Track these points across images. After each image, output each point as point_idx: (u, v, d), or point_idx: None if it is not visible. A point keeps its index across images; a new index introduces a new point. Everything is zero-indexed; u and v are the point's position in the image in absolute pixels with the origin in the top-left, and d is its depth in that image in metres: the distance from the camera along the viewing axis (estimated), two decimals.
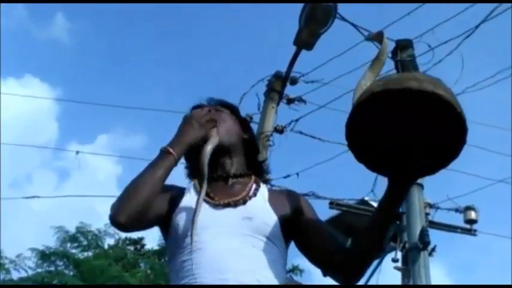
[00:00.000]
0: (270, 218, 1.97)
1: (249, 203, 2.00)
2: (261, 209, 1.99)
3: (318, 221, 2.07)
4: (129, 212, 1.79)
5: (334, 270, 1.96)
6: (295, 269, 15.12)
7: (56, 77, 26.94)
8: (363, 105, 1.60)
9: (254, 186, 2.07)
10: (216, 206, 1.97)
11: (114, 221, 1.81)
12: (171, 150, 1.89)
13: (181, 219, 1.93)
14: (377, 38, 2.01)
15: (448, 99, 1.53)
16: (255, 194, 2.04)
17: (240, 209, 1.97)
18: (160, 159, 1.88)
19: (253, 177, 2.12)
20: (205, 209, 1.93)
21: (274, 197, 2.06)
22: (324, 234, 2.00)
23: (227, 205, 1.98)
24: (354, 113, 1.62)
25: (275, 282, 1.87)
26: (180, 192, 2.03)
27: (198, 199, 1.93)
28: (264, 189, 2.08)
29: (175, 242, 1.93)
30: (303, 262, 14.39)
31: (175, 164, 1.91)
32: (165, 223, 1.98)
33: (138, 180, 1.84)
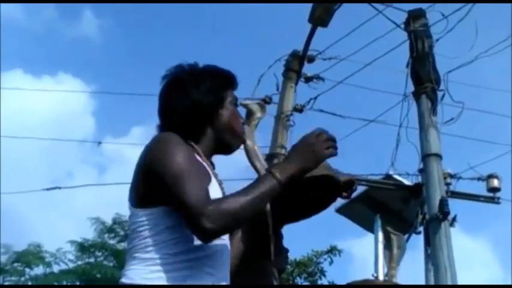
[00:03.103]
0: None
1: None
2: None
3: None
4: (227, 231, 1.88)
5: None
6: (333, 250, 15.04)
7: (89, 73, 27.40)
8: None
9: None
10: None
11: (209, 234, 1.78)
12: (281, 179, 1.86)
13: None
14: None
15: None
16: None
17: None
18: (270, 189, 1.85)
19: None
20: None
21: None
22: None
23: None
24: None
25: None
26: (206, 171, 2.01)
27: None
28: None
29: None
30: (341, 242, 14.40)
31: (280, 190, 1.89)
32: None
33: (248, 206, 1.81)
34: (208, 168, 2.00)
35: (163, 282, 1.82)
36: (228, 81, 2.12)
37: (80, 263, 13.78)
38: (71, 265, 13.76)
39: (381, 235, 8.62)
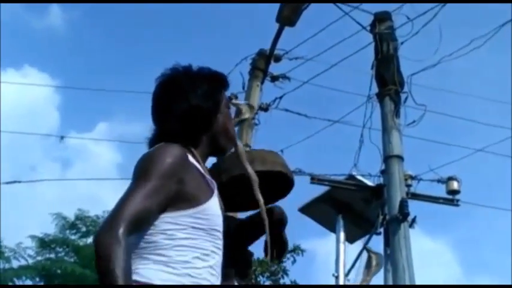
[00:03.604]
0: None
1: None
2: None
3: None
4: (102, 258, 1.74)
5: None
6: (296, 249, 15.10)
7: (55, 67, 27.01)
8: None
9: None
10: None
11: (96, 244, 1.74)
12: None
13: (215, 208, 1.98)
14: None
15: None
16: None
17: None
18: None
19: None
20: None
21: None
22: None
23: None
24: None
25: None
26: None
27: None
28: None
29: (208, 229, 1.93)
30: (305, 242, 14.47)
31: None
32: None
33: (110, 269, 1.69)
34: (207, 177, 2.00)
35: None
36: (222, 84, 2.13)
37: (40, 258, 13.61)
38: (31, 261, 13.58)
39: (342, 235, 8.66)
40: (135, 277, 1.78)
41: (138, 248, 1.85)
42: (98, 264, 1.71)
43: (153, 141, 2.04)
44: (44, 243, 13.64)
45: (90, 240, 14.31)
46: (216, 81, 2.10)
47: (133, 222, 1.76)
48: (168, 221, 1.86)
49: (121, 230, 1.71)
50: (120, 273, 1.67)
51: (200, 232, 1.89)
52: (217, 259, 1.94)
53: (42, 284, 13.19)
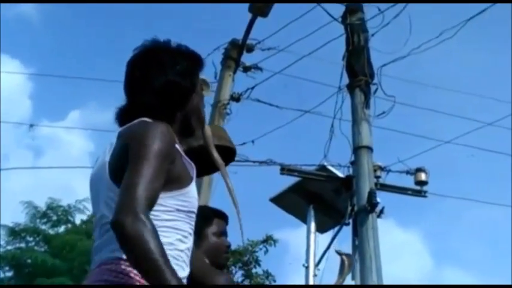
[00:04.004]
0: None
1: None
2: None
3: None
4: (131, 243, 1.68)
5: None
6: (269, 239, 15.15)
7: (27, 54, 26.64)
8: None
9: None
10: None
11: (120, 230, 1.66)
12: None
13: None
14: None
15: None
16: None
17: None
18: (164, 279, 1.65)
19: None
20: None
21: None
22: None
23: None
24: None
25: None
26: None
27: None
28: None
29: (188, 211, 1.91)
30: (277, 232, 14.51)
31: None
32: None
33: (151, 258, 1.65)
34: (186, 157, 1.97)
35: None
36: (200, 64, 2.10)
37: (10, 247, 13.49)
38: (1, 250, 13.45)
39: (313, 225, 8.71)
40: (122, 255, 1.74)
41: None
42: (130, 248, 1.66)
43: (125, 113, 1.99)
44: (14, 233, 13.52)
45: (61, 229, 14.23)
46: (194, 61, 2.08)
47: (150, 203, 1.73)
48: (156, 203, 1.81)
49: (143, 211, 1.68)
50: (158, 251, 1.65)
51: (182, 214, 1.88)
52: (192, 241, 1.93)
53: (11, 274, 13.11)
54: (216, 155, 2.23)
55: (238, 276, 14.35)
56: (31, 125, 10.19)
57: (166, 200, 1.84)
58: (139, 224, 1.65)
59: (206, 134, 2.18)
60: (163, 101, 1.96)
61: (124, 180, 1.75)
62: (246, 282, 14.31)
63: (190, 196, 1.91)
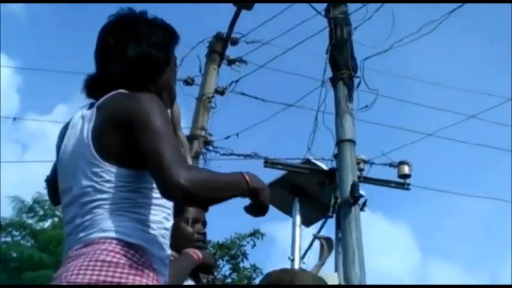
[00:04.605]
0: None
1: None
2: None
3: None
4: (197, 198, 1.75)
5: None
6: (256, 233, 15.19)
7: (14, 48, 26.50)
8: None
9: None
10: None
11: (181, 191, 1.68)
12: (249, 186, 1.83)
13: None
14: None
15: None
16: None
17: None
18: (239, 189, 1.82)
19: None
20: None
21: None
22: None
23: None
24: None
25: None
26: None
27: None
28: None
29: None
30: (265, 226, 14.56)
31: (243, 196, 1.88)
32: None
33: (219, 188, 1.79)
34: None
35: (155, 248, 1.77)
36: (175, 39, 2.03)
37: None
38: None
39: (298, 219, 8.73)
40: (116, 235, 1.71)
41: (110, 204, 1.76)
42: (198, 193, 1.70)
43: (96, 83, 1.93)
44: (0, 227, 13.49)
45: (47, 224, 14.20)
46: (170, 34, 2.02)
47: (185, 161, 1.75)
48: (144, 180, 1.79)
49: (186, 166, 1.71)
50: (218, 179, 1.78)
51: None
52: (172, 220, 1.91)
53: None
54: (180, 134, 2.22)
55: (225, 270, 14.40)
56: (14, 118, 10.14)
57: None
58: (190, 173, 1.68)
59: (174, 111, 2.17)
60: (137, 72, 1.90)
61: (151, 154, 1.72)
62: (234, 276, 14.35)
63: None
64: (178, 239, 2.63)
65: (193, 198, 1.74)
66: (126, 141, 1.77)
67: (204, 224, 2.84)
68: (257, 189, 1.85)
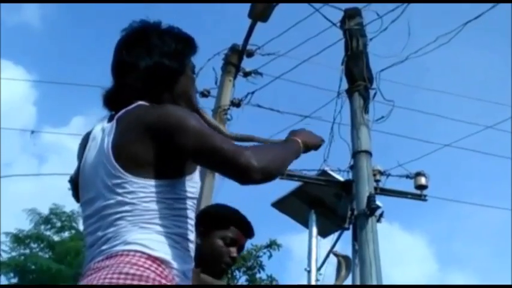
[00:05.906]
0: None
1: None
2: None
3: None
4: (271, 175, 1.82)
5: None
6: (272, 244, 15.16)
7: (31, 61, 26.78)
8: None
9: None
10: None
11: (256, 171, 1.73)
12: (303, 148, 2.06)
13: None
14: None
15: None
16: None
17: None
18: (296, 153, 2.03)
19: None
20: None
21: None
22: None
23: None
24: None
25: None
26: None
27: None
28: None
29: (194, 197, 1.88)
30: (281, 237, 14.52)
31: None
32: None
33: (281, 159, 1.90)
34: None
35: (178, 261, 1.76)
36: (191, 47, 2.05)
37: (14, 254, 13.55)
38: (5, 256, 13.52)
39: (315, 230, 8.73)
40: (140, 248, 1.70)
41: (133, 215, 1.75)
42: (272, 170, 1.80)
43: (113, 96, 1.95)
44: (18, 239, 13.59)
45: (65, 235, 14.28)
46: (184, 42, 2.03)
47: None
48: (168, 190, 1.78)
49: (248, 154, 1.74)
50: (284, 151, 1.96)
51: (190, 202, 1.84)
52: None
53: (16, 281, 13.16)
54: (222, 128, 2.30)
55: (242, 281, 14.37)
56: (32, 132, 10.21)
57: (179, 187, 1.81)
58: (256, 154, 1.74)
59: (204, 116, 2.07)
60: (149, 82, 1.92)
61: (208, 152, 1.76)
62: None
63: (196, 181, 1.88)
64: (209, 255, 2.60)
65: (271, 176, 1.81)
66: (153, 151, 1.77)
67: (241, 248, 2.74)
68: (309, 146, 2.09)
